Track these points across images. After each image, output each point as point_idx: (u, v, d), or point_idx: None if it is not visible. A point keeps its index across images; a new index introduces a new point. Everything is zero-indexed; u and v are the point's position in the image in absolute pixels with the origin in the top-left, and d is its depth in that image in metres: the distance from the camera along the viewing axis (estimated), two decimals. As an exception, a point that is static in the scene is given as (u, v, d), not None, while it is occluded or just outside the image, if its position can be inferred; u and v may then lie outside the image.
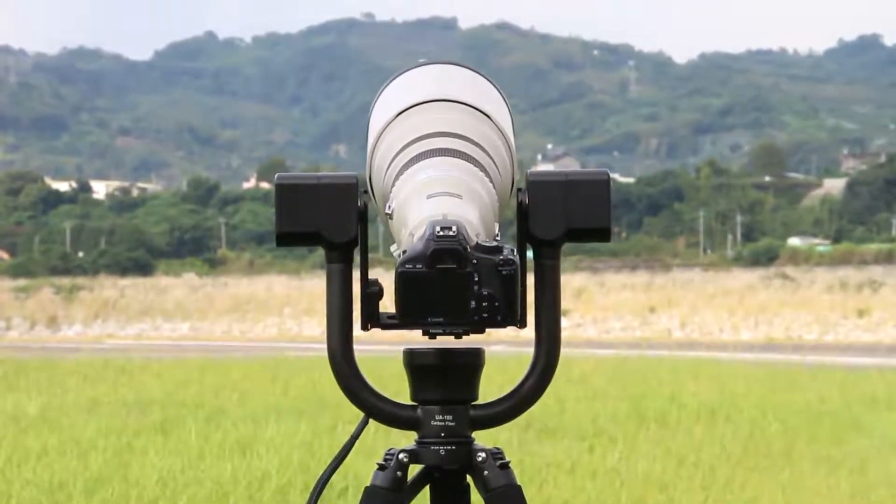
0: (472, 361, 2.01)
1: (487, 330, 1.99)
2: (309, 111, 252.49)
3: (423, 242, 1.82)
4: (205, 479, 7.52)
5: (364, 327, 1.97)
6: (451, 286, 1.83)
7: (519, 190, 2.01)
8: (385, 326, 1.97)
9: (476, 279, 1.83)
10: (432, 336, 1.89)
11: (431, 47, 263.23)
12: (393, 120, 2.02)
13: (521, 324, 1.96)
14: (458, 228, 1.82)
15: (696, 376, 14.80)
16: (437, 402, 2.00)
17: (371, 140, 2.04)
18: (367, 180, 2.01)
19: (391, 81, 2.12)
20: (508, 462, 2.02)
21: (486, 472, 2.00)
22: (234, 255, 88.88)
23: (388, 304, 1.97)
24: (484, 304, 1.83)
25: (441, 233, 1.82)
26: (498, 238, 1.91)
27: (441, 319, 1.83)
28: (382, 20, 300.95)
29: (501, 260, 1.83)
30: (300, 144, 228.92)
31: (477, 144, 2.01)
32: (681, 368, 16.20)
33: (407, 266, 1.83)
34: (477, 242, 1.84)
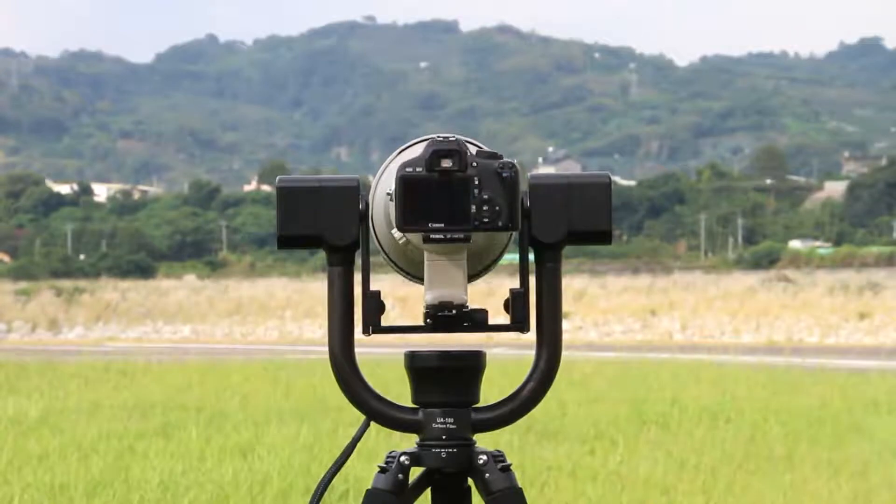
0: (474, 364, 2.01)
1: (488, 333, 1.99)
2: (310, 114, 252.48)
3: (423, 149, 1.83)
4: (206, 483, 7.52)
5: (365, 331, 1.97)
6: (452, 190, 1.83)
7: (519, 193, 2.01)
8: (386, 331, 1.97)
9: (476, 183, 1.83)
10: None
11: (433, 50, 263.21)
12: (394, 158, 2.01)
13: (524, 328, 1.96)
14: (458, 138, 1.83)
15: (697, 379, 14.79)
16: (438, 404, 2.00)
17: (375, 179, 2.03)
18: (370, 219, 1.99)
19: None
20: (510, 465, 2.02)
21: (487, 475, 2.00)
22: (235, 258, 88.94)
23: (390, 318, 1.97)
24: (484, 208, 1.84)
25: (441, 139, 1.83)
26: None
27: (441, 225, 1.83)
28: (384, 23, 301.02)
29: (501, 164, 1.84)
30: (301, 147, 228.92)
31: None
32: (682, 371, 16.18)
33: (407, 170, 1.83)
34: (477, 150, 1.85)
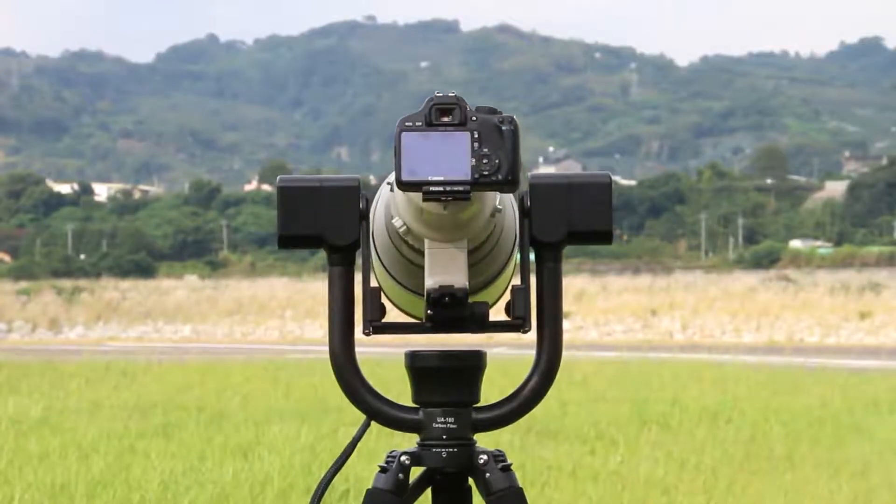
0: (474, 363, 2.01)
1: (488, 334, 1.99)
2: (310, 114, 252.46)
3: (423, 104, 1.83)
4: (206, 482, 7.52)
5: (366, 331, 1.96)
6: (451, 144, 1.81)
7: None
8: (387, 331, 1.97)
9: (476, 137, 1.82)
10: (437, 199, 1.84)
11: (433, 50, 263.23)
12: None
13: (525, 327, 1.95)
14: (457, 94, 1.83)
15: (697, 379, 14.79)
16: (438, 404, 2.00)
17: (376, 196, 2.02)
18: (371, 237, 1.99)
19: None
20: (510, 464, 2.02)
21: (487, 475, 2.00)
22: (235, 258, 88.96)
23: (390, 317, 1.97)
24: (484, 161, 1.81)
25: (440, 94, 1.83)
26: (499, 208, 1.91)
27: (441, 178, 1.81)
28: (384, 23, 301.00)
29: (501, 118, 1.83)
30: (302, 147, 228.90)
31: None
32: (682, 371, 16.19)
33: (406, 124, 1.82)
34: (476, 106, 1.84)
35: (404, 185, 1.81)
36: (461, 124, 1.82)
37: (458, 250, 1.88)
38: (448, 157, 1.81)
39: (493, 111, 1.84)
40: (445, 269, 1.87)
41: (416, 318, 2.01)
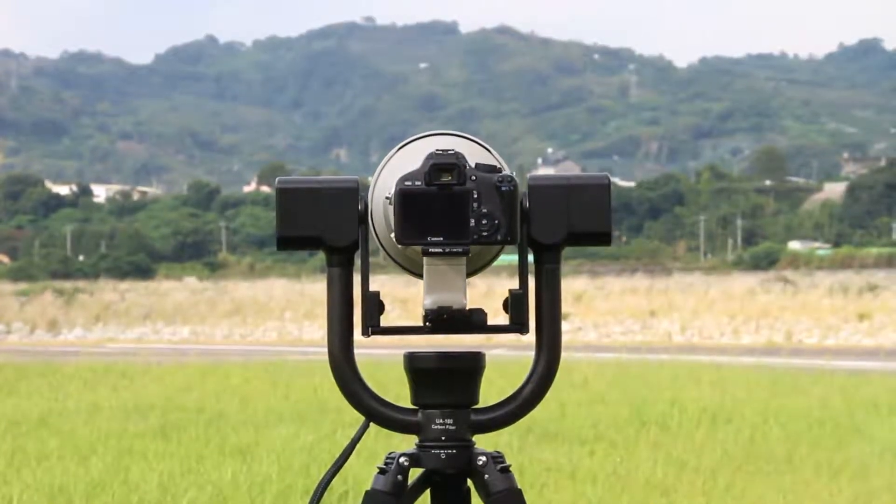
0: (473, 365, 2.01)
1: (487, 334, 1.99)
2: (310, 115, 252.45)
3: (422, 162, 1.83)
4: (205, 484, 7.51)
5: (365, 332, 1.97)
6: (450, 204, 1.83)
7: (520, 194, 2.00)
8: (386, 332, 1.97)
9: (475, 196, 1.83)
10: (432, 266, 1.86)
11: (432, 51, 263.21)
12: (395, 153, 2.01)
13: (524, 329, 1.95)
14: (456, 151, 1.83)
15: (696, 381, 14.79)
16: (437, 405, 2.00)
17: (374, 176, 2.03)
18: (369, 217, 1.99)
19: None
20: (509, 466, 2.02)
21: (486, 476, 2.00)
22: (234, 259, 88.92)
23: (389, 319, 1.97)
24: (483, 221, 1.84)
25: (440, 152, 1.83)
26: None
27: (440, 238, 1.83)
28: (383, 24, 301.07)
29: (500, 178, 1.84)
30: (301, 148, 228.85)
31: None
32: (681, 373, 16.18)
33: (406, 183, 1.83)
34: (476, 163, 1.85)
35: (403, 244, 1.83)
36: (460, 183, 1.83)
37: (456, 269, 1.89)
38: (447, 216, 1.84)
39: (493, 169, 1.85)
40: (443, 288, 1.89)
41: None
